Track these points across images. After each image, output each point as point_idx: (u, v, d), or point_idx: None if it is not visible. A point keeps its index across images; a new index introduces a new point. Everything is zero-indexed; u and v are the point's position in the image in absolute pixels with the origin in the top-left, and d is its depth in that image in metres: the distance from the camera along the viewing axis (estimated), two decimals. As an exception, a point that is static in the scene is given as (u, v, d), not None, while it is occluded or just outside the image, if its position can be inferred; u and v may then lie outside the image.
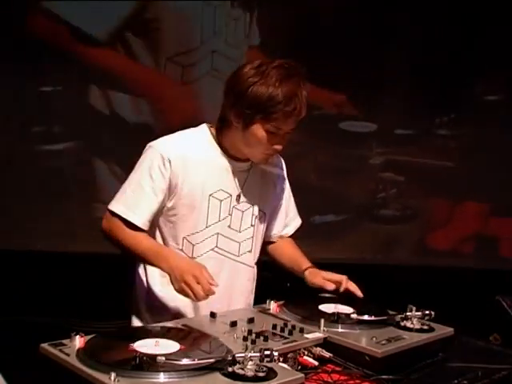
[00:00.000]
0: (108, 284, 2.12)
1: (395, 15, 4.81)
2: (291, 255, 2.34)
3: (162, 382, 1.38)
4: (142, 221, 1.98)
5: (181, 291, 1.85)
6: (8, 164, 4.46)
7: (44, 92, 4.57)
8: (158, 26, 4.60)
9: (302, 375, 1.46)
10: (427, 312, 1.82)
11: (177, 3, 4.64)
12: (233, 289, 2.13)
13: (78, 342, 1.52)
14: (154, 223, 2.05)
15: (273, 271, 2.40)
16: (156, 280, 2.06)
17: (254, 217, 2.14)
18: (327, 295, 2.07)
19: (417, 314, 1.81)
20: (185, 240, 2.04)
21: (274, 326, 1.75)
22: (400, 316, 1.82)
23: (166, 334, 1.61)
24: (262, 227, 2.20)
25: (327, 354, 1.65)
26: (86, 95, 4.59)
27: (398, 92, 4.87)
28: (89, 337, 1.57)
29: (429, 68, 4.80)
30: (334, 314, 1.84)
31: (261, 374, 1.39)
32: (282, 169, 2.33)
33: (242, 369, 1.40)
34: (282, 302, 1.98)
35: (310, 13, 4.72)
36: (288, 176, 2.42)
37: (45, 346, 1.54)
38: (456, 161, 5.05)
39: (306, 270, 2.20)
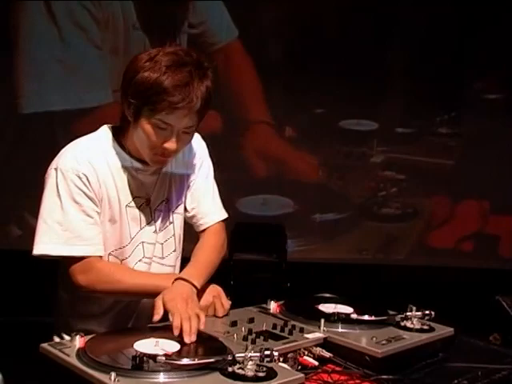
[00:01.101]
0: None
1: (396, 15, 4.81)
2: (194, 253, 1.97)
3: (161, 382, 1.37)
4: (99, 249, 1.78)
5: (174, 317, 1.63)
6: (8, 164, 4.47)
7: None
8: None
9: (302, 375, 1.46)
10: (427, 312, 1.82)
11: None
12: None
13: (78, 341, 1.52)
14: None
15: (272, 271, 2.39)
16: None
17: (171, 214, 1.94)
18: (327, 295, 2.07)
19: (417, 314, 1.81)
20: (110, 256, 1.85)
21: (274, 326, 1.75)
22: (400, 316, 1.82)
23: (166, 334, 1.61)
24: (181, 222, 1.98)
25: (327, 354, 1.64)
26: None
27: (398, 91, 4.88)
28: (89, 337, 1.57)
29: (429, 67, 4.80)
30: (333, 314, 1.84)
31: (261, 374, 1.39)
32: (195, 156, 1.99)
33: (242, 369, 1.40)
34: (281, 302, 1.98)
35: (311, 13, 4.72)
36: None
37: (45, 345, 1.54)
38: (456, 159, 5.05)
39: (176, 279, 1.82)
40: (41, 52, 4.49)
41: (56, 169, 1.77)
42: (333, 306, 1.94)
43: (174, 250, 1.98)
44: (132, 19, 4.56)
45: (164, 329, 1.68)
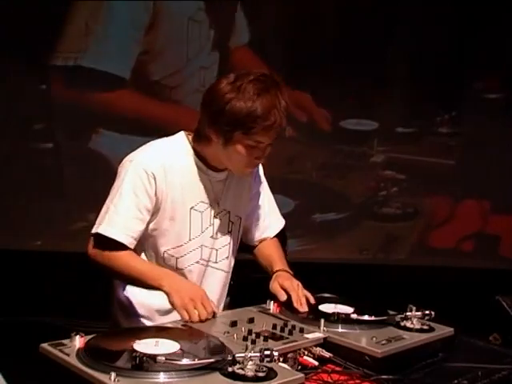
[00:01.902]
0: (108, 284, 2.11)
1: (396, 15, 4.81)
2: (268, 256, 2.24)
3: (161, 382, 1.38)
4: (129, 240, 1.93)
5: (182, 309, 1.83)
6: (8, 164, 4.46)
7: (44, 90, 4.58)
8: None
9: (302, 375, 1.46)
10: (427, 312, 1.82)
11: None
12: (209, 294, 2.03)
13: (78, 341, 1.52)
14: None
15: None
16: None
17: (230, 223, 2.11)
18: (327, 295, 2.07)
19: (417, 314, 1.81)
20: (166, 253, 2.02)
21: (274, 326, 1.75)
22: (400, 316, 1.82)
23: (165, 334, 1.61)
24: (237, 232, 2.17)
25: (327, 354, 1.65)
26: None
27: (399, 90, 4.87)
28: (89, 337, 1.57)
29: (429, 66, 4.80)
30: (333, 314, 1.84)
31: (261, 374, 1.39)
32: (258, 171, 2.27)
33: (242, 369, 1.40)
34: (282, 302, 1.98)
35: (311, 13, 4.72)
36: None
37: (45, 345, 1.54)
38: (457, 159, 5.05)
39: (275, 272, 2.12)
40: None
41: (131, 161, 1.95)
42: (333, 306, 1.94)
43: (227, 257, 2.14)
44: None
45: (164, 329, 1.69)
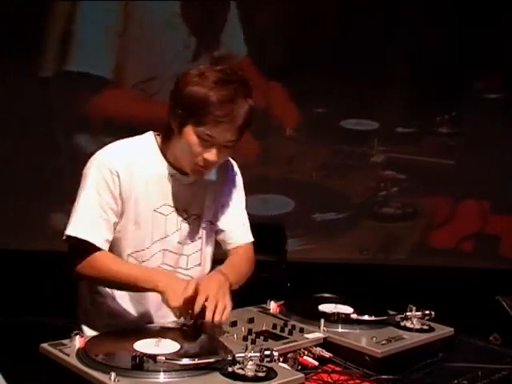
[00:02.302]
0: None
1: (396, 15, 4.81)
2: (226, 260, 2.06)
3: (161, 382, 1.38)
4: (99, 240, 1.84)
5: (178, 309, 1.71)
6: (8, 164, 4.46)
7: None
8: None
9: (302, 375, 1.46)
10: (427, 312, 1.82)
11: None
12: None
13: (78, 341, 1.52)
14: None
15: (272, 271, 2.39)
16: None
17: (201, 229, 2.01)
18: (327, 295, 2.07)
19: (417, 314, 1.81)
20: (130, 257, 1.92)
21: (274, 326, 1.75)
22: (400, 316, 1.82)
23: (166, 333, 1.61)
24: (210, 239, 2.06)
25: (327, 354, 1.65)
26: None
27: (399, 90, 4.88)
28: (89, 337, 1.57)
29: (429, 66, 4.80)
30: (333, 313, 1.84)
31: (261, 374, 1.39)
32: (234, 177, 2.11)
33: (242, 369, 1.40)
34: (281, 302, 1.98)
35: (311, 13, 4.72)
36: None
37: (45, 345, 1.54)
38: (457, 159, 5.05)
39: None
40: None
41: (95, 159, 1.88)
42: (333, 306, 1.94)
43: (199, 264, 2.03)
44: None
45: (164, 329, 1.69)
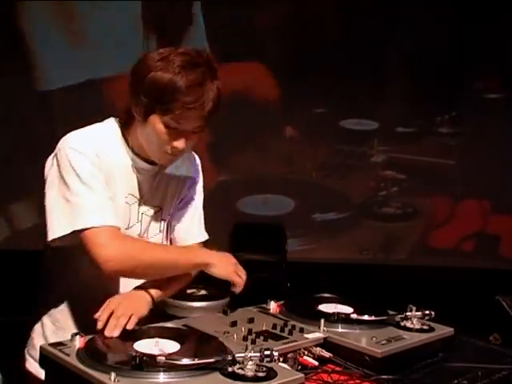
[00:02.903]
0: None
1: (396, 15, 4.81)
2: None
3: (161, 382, 1.38)
4: (114, 221, 1.71)
5: (233, 276, 1.87)
6: (8, 164, 4.46)
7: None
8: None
9: (302, 375, 1.46)
10: (427, 312, 1.82)
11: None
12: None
13: (78, 341, 1.52)
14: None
15: (272, 271, 2.39)
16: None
17: (162, 222, 1.92)
18: (327, 295, 2.07)
19: (417, 314, 1.81)
20: None
21: (274, 326, 1.75)
22: (400, 316, 1.82)
23: (166, 334, 1.61)
24: (168, 232, 1.97)
25: (327, 354, 1.65)
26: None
27: (399, 90, 4.88)
28: (89, 337, 1.57)
29: (429, 66, 4.80)
30: (333, 314, 1.84)
31: (261, 374, 1.39)
32: (196, 173, 2.02)
33: (242, 369, 1.40)
34: (281, 302, 1.98)
35: (311, 13, 4.72)
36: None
37: (45, 345, 1.54)
38: (457, 159, 5.05)
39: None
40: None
41: (66, 147, 1.72)
42: (333, 306, 1.94)
43: None
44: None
45: (164, 329, 1.69)
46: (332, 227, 4.98)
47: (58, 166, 1.74)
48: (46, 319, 1.88)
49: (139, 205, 1.85)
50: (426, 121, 5.05)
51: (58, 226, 1.73)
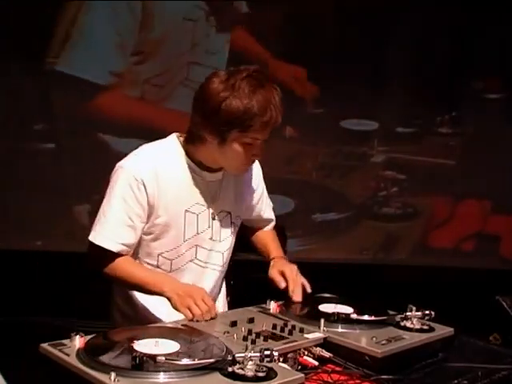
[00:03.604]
0: (108, 284, 2.11)
1: (396, 15, 4.81)
2: (265, 243, 2.29)
3: (161, 382, 1.38)
4: (119, 247, 1.93)
5: (183, 307, 1.84)
6: (8, 163, 4.46)
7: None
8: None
9: (302, 375, 1.46)
10: (427, 312, 1.82)
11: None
12: (215, 296, 2.15)
13: (78, 341, 1.52)
14: None
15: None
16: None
17: (232, 225, 2.11)
18: (327, 295, 2.07)
19: (417, 314, 1.81)
20: (160, 257, 2.00)
21: (274, 326, 1.75)
22: (400, 316, 1.82)
23: (166, 334, 1.61)
24: (236, 233, 2.18)
25: (327, 354, 1.65)
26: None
27: (399, 90, 4.87)
28: (89, 337, 1.57)
29: (429, 66, 4.80)
30: (333, 313, 1.84)
31: (261, 374, 1.39)
32: (258, 170, 2.29)
33: (242, 369, 1.40)
34: (281, 302, 1.98)
35: (311, 13, 4.72)
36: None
37: (45, 345, 1.54)
38: (457, 159, 5.05)
39: (272, 259, 2.18)
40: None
41: (121, 167, 1.92)
42: (333, 306, 1.94)
43: (228, 259, 2.15)
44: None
45: (164, 329, 1.69)
46: (332, 227, 4.98)
47: (114, 180, 1.94)
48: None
49: (209, 212, 2.02)
50: (426, 121, 5.04)
51: (93, 232, 1.96)
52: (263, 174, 2.34)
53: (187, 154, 1.98)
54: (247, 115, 1.81)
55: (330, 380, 1.54)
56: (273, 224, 2.37)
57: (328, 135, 4.94)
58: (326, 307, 1.94)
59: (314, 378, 1.55)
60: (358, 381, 1.55)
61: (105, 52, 4.50)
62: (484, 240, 5.07)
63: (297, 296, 1.99)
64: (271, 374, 1.40)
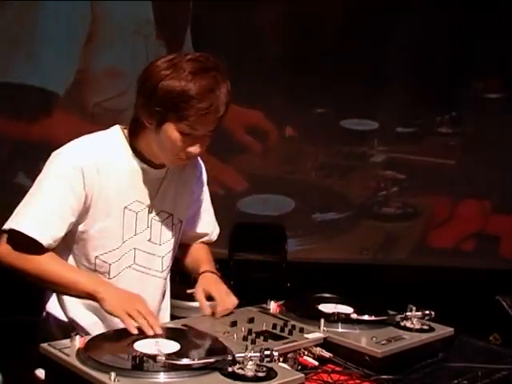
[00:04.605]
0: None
1: (396, 14, 4.81)
2: (196, 255, 2.09)
3: (161, 382, 1.38)
4: (47, 241, 1.72)
5: (123, 315, 1.64)
6: (8, 164, 4.47)
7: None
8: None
9: (302, 375, 1.46)
10: (427, 312, 1.82)
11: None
12: (158, 305, 1.97)
13: (78, 341, 1.52)
14: (63, 241, 1.78)
15: (272, 271, 2.39)
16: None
17: (173, 227, 1.93)
18: (327, 295, 2.07)
19: (417, 314, 1.81)
20: (97, 259, 1.81)
21: (274, 326, 1.75)
22: (400, 316, 1.82)
23: (165, 334, 1.61)
24: (179, 237, 1.99)
25: (327, 354, 1.65)
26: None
27: (399, 90, 4.87)
28: (89, 337, 1.57)
29: (429, 66, 4.80)
30: (333, 314, 1.84)
31: (261, 374, 1.39)
32: (201, 174, 2.05)
33: (242, 369, 1.40)
34: (281, 302, 1.98)
35: (311, 13, 4.72)
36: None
37: (45, 345, 1.54)
38: (457, 159, 5.06)
39: (201, 273, 1.97)
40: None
41: (59, 154, 1.77)
42: (333, 306, 1.94)
43: (169, 265, 1.98)
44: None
45: (164, 329, 1.68)
46: (332, 227, 4.98)
47: (48, 166, 1.78)
48: None
49: (148, 211, 1.86)
50: (426, 121, 5.05)
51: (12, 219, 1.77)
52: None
53: (130, 146, 1.81)
54: (183, 98, 1.63)
55: (330, 380, 1.54)
56: (215, 237, 2.14)
57: (328, 135, 4.94)
58: (326, 307, 1.93)
59: (314, 378, 1.55)
60: (357, 381, 1.55)
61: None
62: (484, 240, 5.07)
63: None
64: (271, 373, 1.40)
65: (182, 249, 2.06)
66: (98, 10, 4.41)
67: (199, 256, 2.07)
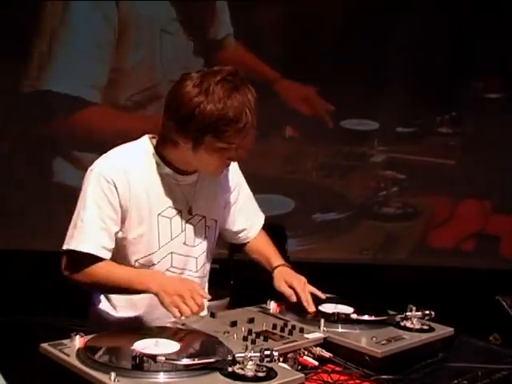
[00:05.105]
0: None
1: (396, 14, 4.81)
2: (263, 251, 2.19)
3: (161, 382, 1.38)
4: (102, 252, 1.84)
5: (172, 306, 1.73)
6: (8, 164, 4.47)
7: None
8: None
9: (302, 375, 1.46)
10: (427, 312, 1.82)
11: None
12: None
13: (78, 341, 1.52)
14: None
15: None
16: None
17: (206, 228, 2.02)
18: (327, 295, 2.07)
19: (417, 314, 1.81)
20: (137, 263, 1.92)
21: (274, 326, 1.75)
22: (400, 316, 1.82)
23: (165, 334, 1.61)
24: (213, 237, 2.08)
25: (327, 354, 1.65)
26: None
27: (399, 90, 4.87)
28: (89, 337, 1.57)
29: (430, 66, 4.80)
30: (333, 314, 1.84)
31: (261, 374, 1.39)
32: (233, 171, 2.10)
33: (242, 369, 1.40)
34: (282, 302, 1.98)
35: (311, 13, 4.72)
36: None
37: (45, 345, 1.54)
38: (457, 159, 5.05)
39: (275, 267, 2.08)
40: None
41: (92, 170, 1.87)
42: (333, 306, 1.94)
43: (204, 264, 2.05)
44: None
45: (164, 329, 1.69)
46: (332, 227, 4.98)
47: (86, 184, 1.87)
48: None
49: (182, 216, 1.95)
50: (426, 121, 5.04)
51: (69, 239, 1.87)
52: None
53: (160, 156, 1.91)
54: (222, 121, 1.74)
55: (330, 380, 1.54)
56: (260, 227, 2.25)
57: (328, 135, 4.94)
58: (326, 307, 1.93)
59: (314, 377, 1.55)
60: (357, 381, 1.55)
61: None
62: (484, 240, 5.07)
63: (311, 307, 1.91)
64: (271, 373, 1.40)
65: (246, 250, 2.23)
66: (124, 10, 4.51)
67: (265, 249, 2.19)
